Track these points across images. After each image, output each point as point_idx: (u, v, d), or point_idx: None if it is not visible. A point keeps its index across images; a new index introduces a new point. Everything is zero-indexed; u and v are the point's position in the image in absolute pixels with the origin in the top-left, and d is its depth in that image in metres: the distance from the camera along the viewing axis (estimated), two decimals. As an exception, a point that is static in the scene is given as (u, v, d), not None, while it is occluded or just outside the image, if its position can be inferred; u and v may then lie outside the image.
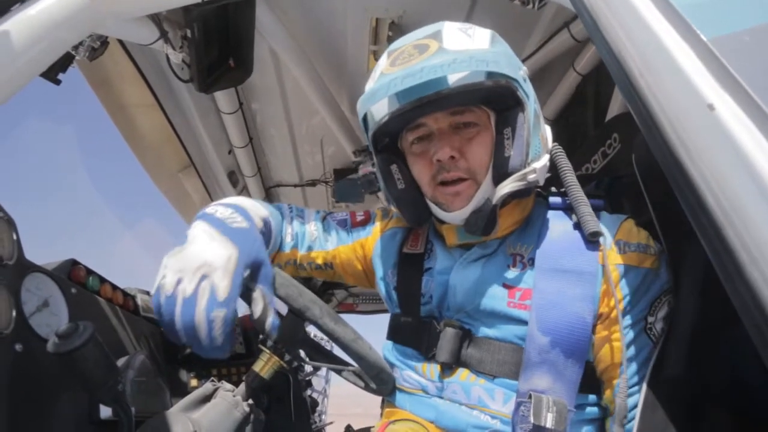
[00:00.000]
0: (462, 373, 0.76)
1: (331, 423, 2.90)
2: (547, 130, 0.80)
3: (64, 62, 1.01)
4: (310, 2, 1.39)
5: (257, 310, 0.61)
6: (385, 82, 0.68)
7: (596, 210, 0.75)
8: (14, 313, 0.75)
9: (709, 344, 0.66)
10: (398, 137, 0.82)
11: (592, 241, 0.72)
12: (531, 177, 0.71)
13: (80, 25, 0.83)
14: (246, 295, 0.63)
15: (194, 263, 0.59)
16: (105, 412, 0.87)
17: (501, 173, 0.72)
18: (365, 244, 0.96)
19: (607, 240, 0.72)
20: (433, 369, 0.79)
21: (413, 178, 0.80)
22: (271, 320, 0.62)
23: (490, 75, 0.69)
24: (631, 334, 0.68)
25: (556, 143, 0.81)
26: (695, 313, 0.68)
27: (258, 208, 0.79)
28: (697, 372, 0.65)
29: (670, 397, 0.63)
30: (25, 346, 0.74)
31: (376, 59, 1.53)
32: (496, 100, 0.73)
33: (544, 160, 0.75)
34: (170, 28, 1.23)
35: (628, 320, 0.69)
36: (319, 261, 0.95)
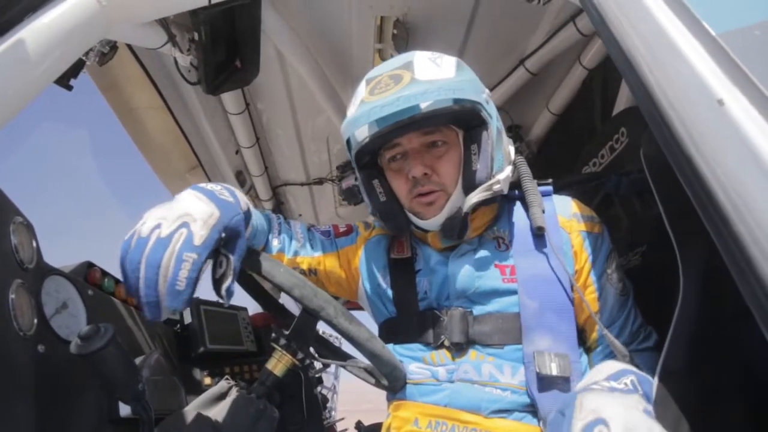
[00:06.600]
0: (471, 353, 0.82)
1: (342, 419, 2.92)
2: (510, 146, 0.93)
3: (75, 68, 1.02)
4: (315, 2, 1.39)
5: (219, 271, 0.62)
6: (365, 110, 0.78)
7: (546, 195, 0.91)
8: (36, 315, 0.77)
9: (717, 340, 0.66)
10: (377, 155, 0.91)
11: (539, 234, 0.86)
12: (496, 187, 0.82)
13: (92, 31, 0.84)
14: (215, 257, 0.63)
15: (176, 212, 0.61)
16: (124, 410, 0.89)
17: (469, 184, 0.83)
18: (350, 252, 1.01)
19: (567, 213, 0.89)
20: (442, 355, 0.83)
21: (392, 191, 0.89)
22: (227, 285, 0.63)
23: (456, 100, 0.79)
24: (598, 284, 0.85)
25: (519, 155, 0.96)
26: (701, 309, 0.68)
27: (245, 198, 0.80)
28: (706, 367, 0.65)
29: (679, 394, 0.64)
30: (47, 348, 0.76)
31: (382, 57, 1.54)
32: (463, 120, 0.84)
33: (507, 171, 0.86)
34: (178, 31, 1.24)
35: (594, 274, 0.85)
36: (304, 266, 0.98)
